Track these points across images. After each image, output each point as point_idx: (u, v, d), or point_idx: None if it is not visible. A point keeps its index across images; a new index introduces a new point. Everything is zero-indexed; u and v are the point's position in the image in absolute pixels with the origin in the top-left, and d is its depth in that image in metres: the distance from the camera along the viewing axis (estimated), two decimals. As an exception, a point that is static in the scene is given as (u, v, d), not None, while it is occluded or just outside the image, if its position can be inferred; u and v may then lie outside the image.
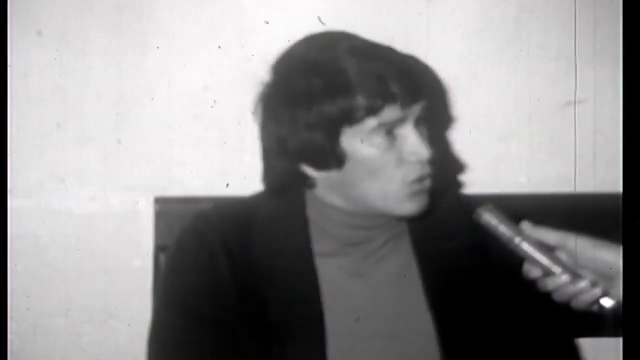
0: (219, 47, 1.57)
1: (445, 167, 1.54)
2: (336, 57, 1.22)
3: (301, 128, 1.22)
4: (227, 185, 1.57)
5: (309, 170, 1.26)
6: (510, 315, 1.30)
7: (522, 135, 1.63)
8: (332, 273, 1.29)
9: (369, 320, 1.28)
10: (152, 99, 1.56)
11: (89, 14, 1.55)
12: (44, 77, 1.54)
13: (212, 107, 1.57)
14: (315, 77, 1.22)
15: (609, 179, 1.63)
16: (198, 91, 1.57)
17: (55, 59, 1.54)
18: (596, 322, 1.22)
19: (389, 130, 1.22)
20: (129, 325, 1.57)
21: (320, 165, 1.25)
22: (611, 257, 1.15)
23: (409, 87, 1.21)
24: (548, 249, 1.19)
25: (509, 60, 1.61)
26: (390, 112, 1.20)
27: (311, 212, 1.30)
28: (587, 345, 1.56)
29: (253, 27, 1.57)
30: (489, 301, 1.29)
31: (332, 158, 1.23)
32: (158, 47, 1.56)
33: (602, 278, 1.16)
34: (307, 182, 1.28)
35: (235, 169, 1.58)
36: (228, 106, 1.57)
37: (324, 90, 1.21)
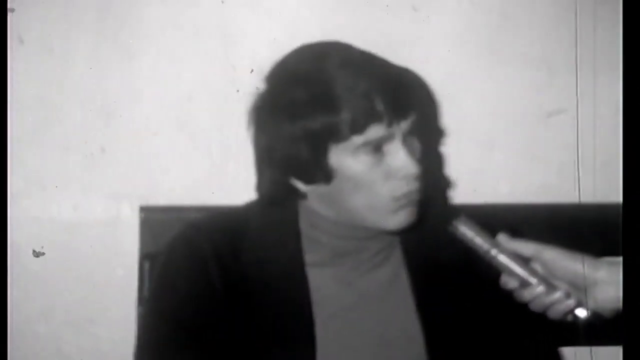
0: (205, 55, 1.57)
1: (434, 180, 1.55)
2: (324, 71, 1.21)
3: (287, 141, 1.22)
4: (212, 193, 1.58)
5: (298, 184, 1.26)
6: (498, 324, 1.30)
7: (504, 144, 1.63)
8: (323, 282, 1.29)
9: (359, 329, 1.28)
10: (136, 107, 1.57)
11: (73, 21, 1.55)
12: (26, 84, 1.54)
13: (197, 115, 1.58)
14: (302, 90, 1.21)
15: (590, 189, 1.63)
16: (183, 99, 1.58)
17: (38, 66, 1.54)
18: (574, 332, 1.24)
19: (377, 147, 1.21)
20: (111, 332, 1.57)
21: (308, 179, 1.25)
22: (583, 268, 1.16)
23: (395, 105, 1.21)
24: (524, 261, 1.20)
25: (490, 69, 1.62)
26: (375, 131, 1.20)
27: (303, 223, 1.30)
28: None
29: (238, 36, 1.58)
30: (476, 310, 1.30)
31: (319, 173, 1.23)
32: (142, 55, 1.56)
33: (575, 289, 1.18)
34: (298, 194, 1.28)
35: (220, 177, 1.59)
36: (213, 115, 1.58)
37: (309, 105, 1.20)
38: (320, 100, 1.20)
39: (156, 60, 1.57)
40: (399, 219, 1.24)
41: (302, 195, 1.28)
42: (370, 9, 1.60)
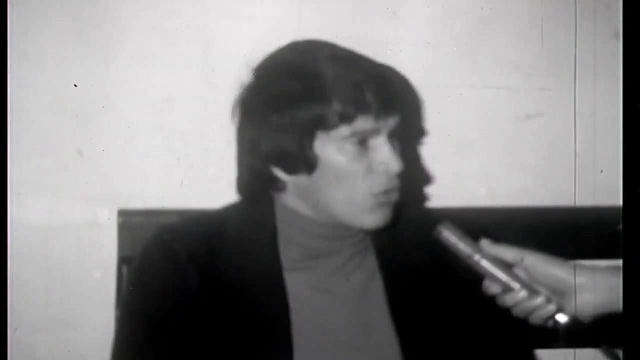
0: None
1: (412, 180, 1.55)
2: (315, 63, 1.23)
3: (274, 130, 1.23)
4: (191, 197, 1.56)
5: (279, 173, 1.26)
6: (472, 328, 1.32)
7: (481, 148, 1.65)
8: (299, 287, 1.29)
9: (335, 334, 1.29)
10: (114, 110, 1.55)
11: (48, 24, 1.53)
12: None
13: (175, 119, 1.56)
14: (292, 80, 1.23)
15: (565, 192, 1.65)
16: (161, 102, 1.56)
17: (12, 70, 1.50)
18: (553, 335, 1.25)
19: (362, 140, 1.22)
20: (88, 336, 1.55)
21: (290, 168, 1.25)
22: (564, 273, 1.18)
23: (384, 99, 1.22)
24: (506, 266, 1.21)
25: (468, 73, 1.63)
26: (363, 122, 1.21)
27: (280, 222, 1.30)
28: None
29: (216, 39, 1.57)
30: (451, 314, 1.31)
31: (303, 162, 1.23)
32: (120, 59, 1.54)
33: (556, 294, 1.19)
34: (277, 186, 1.28)
35: (199, 181, 1.57)
36: (191, 118, 1.57)
37: (299, 94, 1.21)
38: (310, 89, 1.21)
39: (133, 63, 1.55)
40: (376, 218, 1.25)
41: (281, 188, 1.27)
42: (349, 13, 1.60)
